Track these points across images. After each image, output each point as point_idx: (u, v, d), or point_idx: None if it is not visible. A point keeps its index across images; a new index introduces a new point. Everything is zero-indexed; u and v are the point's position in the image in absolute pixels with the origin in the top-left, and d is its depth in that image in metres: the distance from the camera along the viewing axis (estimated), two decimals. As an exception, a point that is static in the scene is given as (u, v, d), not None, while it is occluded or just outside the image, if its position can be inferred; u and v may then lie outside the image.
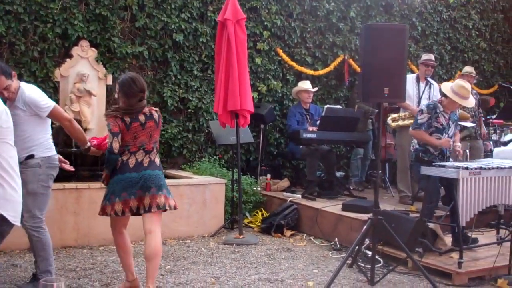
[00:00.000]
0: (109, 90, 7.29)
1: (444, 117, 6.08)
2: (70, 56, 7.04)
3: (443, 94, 6.06)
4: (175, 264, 5.53)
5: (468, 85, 5.97)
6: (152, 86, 7.77)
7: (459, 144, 6.30)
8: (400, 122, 7.50)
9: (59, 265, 5.26)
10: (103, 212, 4.37)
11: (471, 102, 6.04)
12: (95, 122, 7.00)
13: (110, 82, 7.25)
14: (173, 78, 7.90)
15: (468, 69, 8.30)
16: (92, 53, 7.16)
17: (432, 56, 7.86)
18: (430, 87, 7.65)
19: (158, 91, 7.82)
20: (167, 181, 6.76)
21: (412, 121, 7.26)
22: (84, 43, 7.11)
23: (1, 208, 3.12)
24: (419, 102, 7.52)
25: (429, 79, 7.69)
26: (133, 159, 4.33)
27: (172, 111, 7.92)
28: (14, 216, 3.18)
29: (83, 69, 7.04)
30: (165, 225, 6.43)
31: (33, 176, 4.25)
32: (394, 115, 7.60)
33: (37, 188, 4.29)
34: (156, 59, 7.80)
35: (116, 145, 4.23)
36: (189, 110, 8.03)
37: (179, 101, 7.95)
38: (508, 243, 5.47)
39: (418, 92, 7.56)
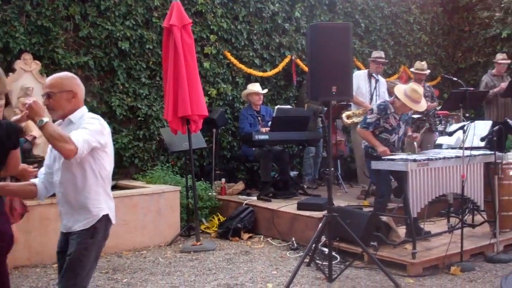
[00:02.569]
0: (55, 102, 7.14)
1: (395, 118, 6.15)
2: (13, 70, 6.85)
3: (396, 96, 6.09)
4: (132, 276, 5.46)
5: (420, 89, 6.02)
6: (99, 95, 7.64)
7: (410, 133, 6.43)
8: (355, 119, 7.60)
9: (12, 286, 5.11)
10: None
11: (422, 106, 6.08)
12: (42, 136, 6.82)
13: (55, 94, 7.09)
14: (121, 87, 7.79)
15: (418, 65, 8.19)
16: (36, 66, 6.99)
17: (382, 54, 8.03)
18: (376, 82, 7.81)
19: (106, 100, 7.70)
20: (120, 192, 6.74)
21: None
22: (27, 56, 6.93)
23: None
24: (371, 98, 7.66)
25: (374, 74, 7.84)
26: None
27: (121, 120, 7.81)
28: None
29: (27, 82, 6.87)
30: (119, 236, 6.36)
31: None
32: (349, 112, 7.69)
33: None
34: (102, 68, 7.67)
35: None
36: (139, 119, 7.93)
37: (128, 110, 7.83)
38: (459, 231, 5.61)
39: (370, 88, 7.70)
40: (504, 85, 8.90)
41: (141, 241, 6.59)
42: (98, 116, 3.37)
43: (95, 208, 3.31)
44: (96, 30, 7.55)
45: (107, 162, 3.40)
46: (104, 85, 7.71)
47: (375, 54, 8.00)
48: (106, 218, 3.36)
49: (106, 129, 3.35)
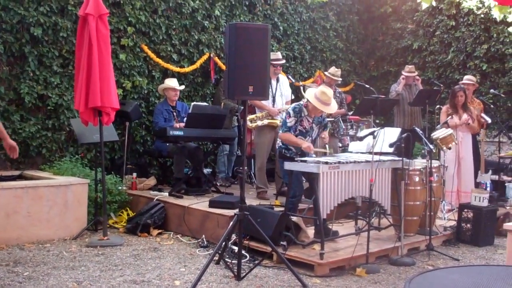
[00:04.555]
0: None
1: (308, 121, 6.28)
2: None
3: (307, 99, 6.20)
4: (34, 270, 5.23)
5: (330, 91, 6.17)
6: (7, 82, 7.28)
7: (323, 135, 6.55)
8: (259, 123, 7.62)
9: None
10: None
11: (333, 108, 6.24)
12: None
13: (-40, 78, 6.70)
14: (31, 74, 7.45)
15: (332, 70, 8.38)
16: None
17: (279, 55, 7.96)
18: (277, 82, 7.83)
19: (15, 87, 7.35)
20: (25, 182, 6.45)
21: (270, 121, 7.53)
22: None
23: None
24: (274, 100, 7.72)
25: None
26: None
27: (30, 108, 7.48)
28: None
29: None
30: (22, 228, 6.11)
31: None
32: (252, 116, 7.68)
33: None
34: (12, 53, 7.30)
35: None
36: (49, 108, 7.62)
37: (37, 98, 7.51)
38: (366, 233, 5.79)
39: (272, 90, 7.74)
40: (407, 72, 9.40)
41: (45, 234, 6.33)
42: None
43: None
44: (8, 14, 7.18)
45: None
46: (13, 71, 7.36)
47: (272, 56, 7.80)
48: None
49: None
